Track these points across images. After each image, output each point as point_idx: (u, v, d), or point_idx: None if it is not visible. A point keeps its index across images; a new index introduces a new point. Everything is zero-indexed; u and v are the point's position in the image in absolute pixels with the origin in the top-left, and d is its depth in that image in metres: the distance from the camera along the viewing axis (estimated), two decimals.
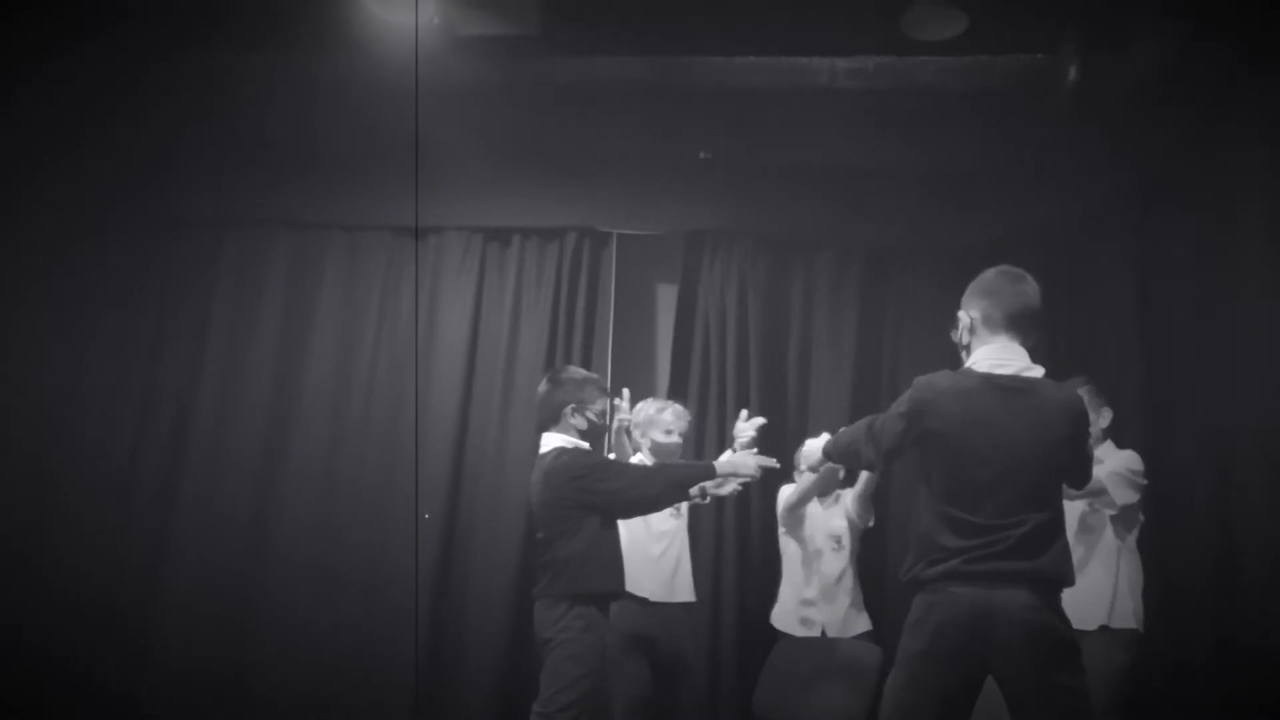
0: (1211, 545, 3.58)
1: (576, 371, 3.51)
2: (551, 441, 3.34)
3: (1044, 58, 3.81)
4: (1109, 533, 3.37)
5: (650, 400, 3.92)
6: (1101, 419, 3.46)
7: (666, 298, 4.82)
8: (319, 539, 4.46)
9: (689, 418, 3.92)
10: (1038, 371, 2.49)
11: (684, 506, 3.76)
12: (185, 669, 4.32)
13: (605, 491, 3.21)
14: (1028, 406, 2.43)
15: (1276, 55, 3.37)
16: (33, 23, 3.78)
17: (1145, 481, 3.38)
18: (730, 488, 3.56)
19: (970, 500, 2.41)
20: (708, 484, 3.49)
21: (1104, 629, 3.27)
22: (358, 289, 4.79)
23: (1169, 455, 3.81)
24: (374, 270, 4.80)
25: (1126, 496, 3.32)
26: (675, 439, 3.77)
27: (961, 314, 2.57)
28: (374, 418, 4.62)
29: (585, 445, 3.36)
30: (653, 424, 3.77)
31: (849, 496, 3.83)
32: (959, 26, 3.75)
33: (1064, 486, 2.61)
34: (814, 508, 3.84)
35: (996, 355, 2.48)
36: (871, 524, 3.85)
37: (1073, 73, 3.75)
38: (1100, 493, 3.27)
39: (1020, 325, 2.49)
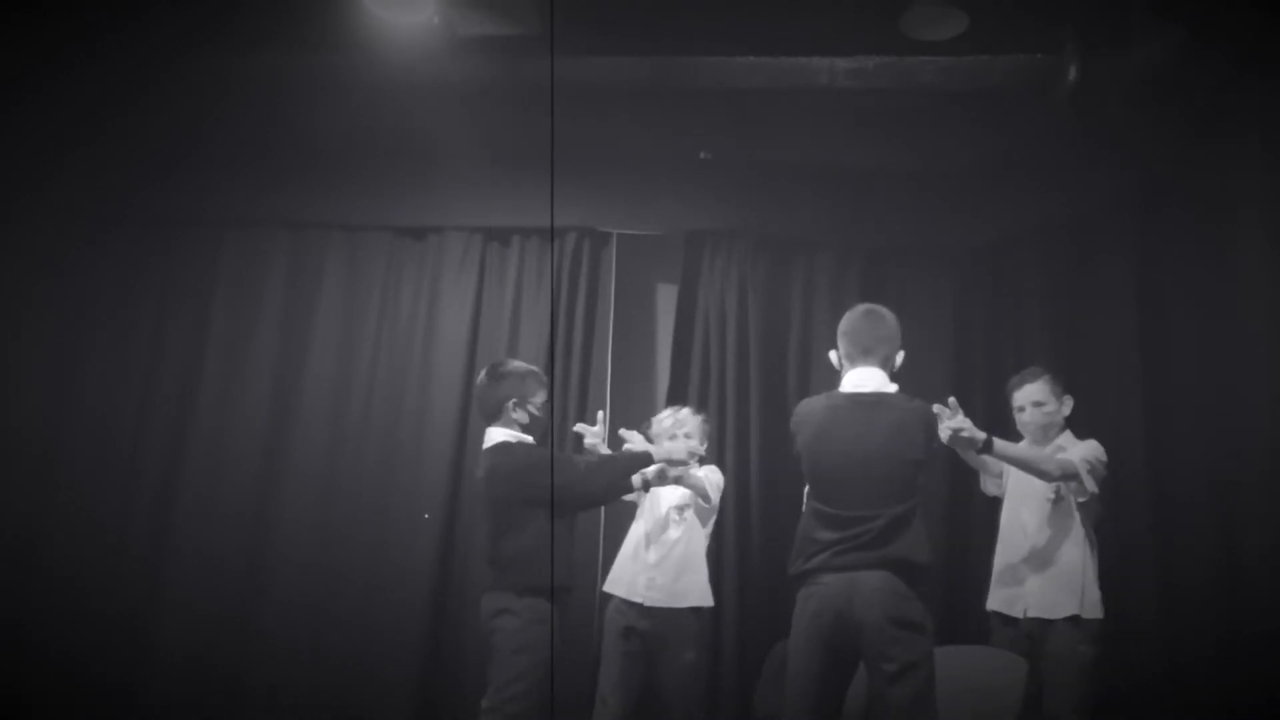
0: (1212, 545, 3.59)
1: (518, 365, 3.51)
2: (494, 436, 3.36)
3: (1044, 58, 3.81)
4: (1077, 521, 3.42)
5: (671, 410, 3.98)
6: (1064, 407, 3.52)
7: (666, 298, 4.82)
8: (319, 539, 4.46)
9: (701, 426, 3.90)
10: (892, 388, 2.97)
11: (689, 512, 3.79)
12: (186, 668, 4.32)
13: (549, 486, 3.21)
14: (881, 415, 2.89)
15: (1276, 56, 3.37)
16: (32, 24, 3.78)
17: (1106, 472, 3.43)
18: (671, 480, 3.56)
19: (838, 497, 2.85)
20: (648, 473, 3.49)
21: (1074, 619, 3.31)
22: (358, 289, 4.79)
23: (1169, 455, 3.82)
24: (374, 270, 4.80)
25: (1092, 485, 3.38)
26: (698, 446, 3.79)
27: (833, 352, 3.08)
28: (374, 418, 4.62)
29: (529, 439, 3.36)
30: (664, 435, 3.84)
31: None
32: (959, 26, 3.75)
33: (1044, 471, 3.29)
34: None
35: (857, 379, 2.97)
36: None
37: (1072, 73, 3.75)
38: (1074, 476, 3.34)
39: (876, 353, 2.98)
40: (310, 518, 4.49)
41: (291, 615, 4.37)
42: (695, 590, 3.75)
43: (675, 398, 4.46)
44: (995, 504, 3.74)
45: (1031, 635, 3.37)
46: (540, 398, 3.42)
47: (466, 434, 4.53)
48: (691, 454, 3.51)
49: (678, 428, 3.85)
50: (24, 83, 4.05)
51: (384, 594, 4.37)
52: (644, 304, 4.91)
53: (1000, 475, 3.65)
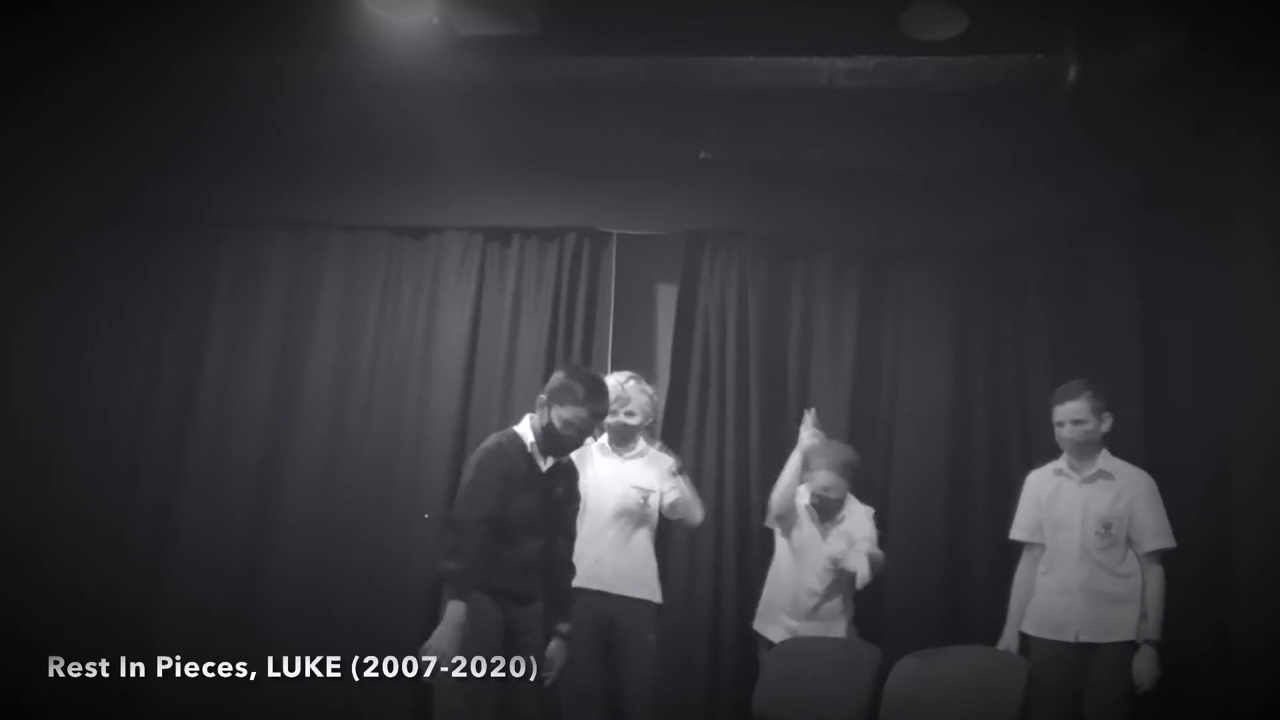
0: (1211, 545, 3.59)
1: (571, 375, 3.23)
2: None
3: (1044, 58, 3.81)
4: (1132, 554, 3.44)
5: (617, 374, 3.79)
6: (1103, 425, 3.50)
7: (666, 298, 4.82)
8: (319, 538, 4.46)
9: (652, 398, 3.79)
10: None
11: (652, 498, 3.68)
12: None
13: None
14: None
15: (1276, 56, 3.37)
16: (33, 25, 3.78)
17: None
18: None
19: None
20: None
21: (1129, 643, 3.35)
22: (358, 289, 4.79)
23: (1169, 456, 3.81)
24: (374, 270, 4.80)
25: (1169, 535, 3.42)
26: (635, 421, 3.68)
27: None
28: (374, 417, 4.62)
29: (526, 441, 3.15)
30: (615, 399, 3.49)
31: (864, 544, 3.64)
32: (959, 26, 3.75)
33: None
34: (809, 526, 3.78)
35: None
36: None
37: (1072, 73, 3.75)
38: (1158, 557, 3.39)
39: None
40: (311, 517, 4.50)
41: (292, 614, 4.37)
42: (651, 578, 3.66)
43: (675, 397, 4.47)
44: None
45: (1082, 651, 3.39)
46: (568, 412, 3.10)
47: (467, 433, 4.53)
48: (670, 473, 3.32)
49: (620, 404, 3.61)
50: (24, 83, 4.05)
51: (384, 594, 4.37)
52: (644, 304, 4.91)
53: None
